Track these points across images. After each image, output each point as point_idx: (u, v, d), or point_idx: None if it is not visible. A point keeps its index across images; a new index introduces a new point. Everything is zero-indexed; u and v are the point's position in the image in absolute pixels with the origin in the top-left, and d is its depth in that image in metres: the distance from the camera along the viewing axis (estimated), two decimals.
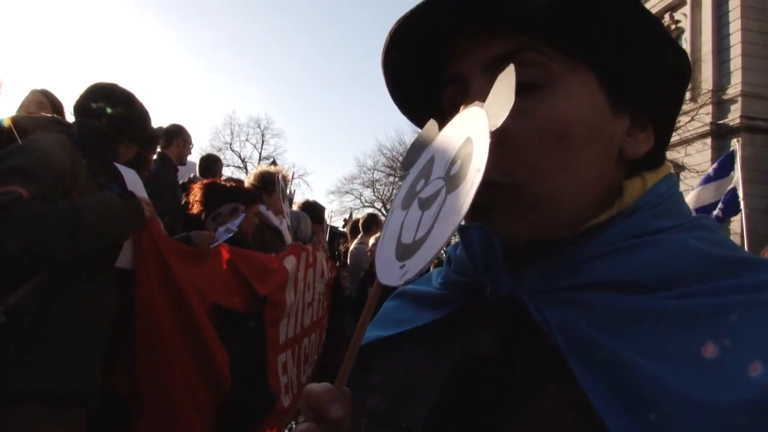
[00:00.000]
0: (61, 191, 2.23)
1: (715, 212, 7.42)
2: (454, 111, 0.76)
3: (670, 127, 0.84)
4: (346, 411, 0.67)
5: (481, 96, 0.70)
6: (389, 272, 0.67)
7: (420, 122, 0.90)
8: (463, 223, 0.62)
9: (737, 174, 7.50)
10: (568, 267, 0.71)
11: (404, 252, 0.66)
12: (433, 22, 0.77)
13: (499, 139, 0.66)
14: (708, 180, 7.90)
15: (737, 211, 7.47)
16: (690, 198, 7.66)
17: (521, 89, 0.69)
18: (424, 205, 0.68)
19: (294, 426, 0.86)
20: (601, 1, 0.72)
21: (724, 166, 7.86)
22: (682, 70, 0.80)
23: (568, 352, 0.64)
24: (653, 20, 0.75)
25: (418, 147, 0.79)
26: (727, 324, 0.58)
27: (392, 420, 0.81)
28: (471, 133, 0.67)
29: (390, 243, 0.71)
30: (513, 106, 0.63)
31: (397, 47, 0.81)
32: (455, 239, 0.80)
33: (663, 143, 0.83)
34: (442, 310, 0.84)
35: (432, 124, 0.80)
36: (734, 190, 7.48)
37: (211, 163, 6.90)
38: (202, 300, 2.82)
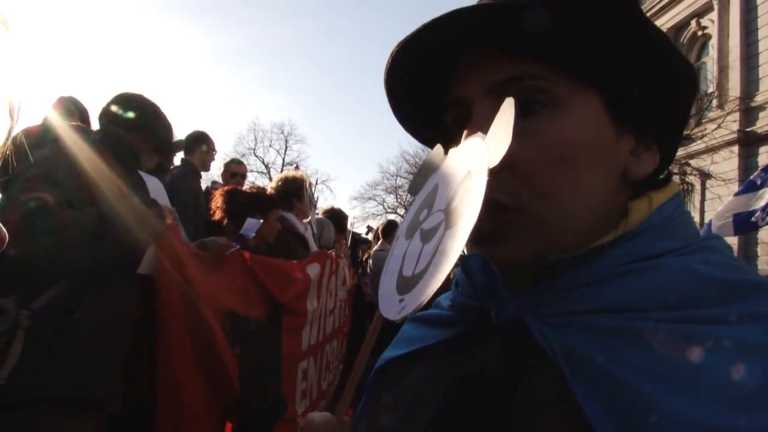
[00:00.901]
0: (86, 198, 2.25)
1: (753, 219, 7.20)
2: (457, 132, 0.78)
3: (675, 144, 0.84)
4: None
5: (483, 121, 0.71)
6: (389, 305, 0.68)
7: (425, 140, 0.92)
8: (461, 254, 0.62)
9: None
10: (571, 290, 0.72)
11: (404, 285, 0.67)
12: (434, 45, 0.77)
13: (505, 162, 0.66)
14: (751, 188, 7.63)
15: None
16: (727, 208, 7.44)
17: (526, 112, 0.71)
18: (425, 237, 0.69)
19: None
20: (602, 24, 0.71)
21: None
22: (689, 85, 0.79)
23: (570, 376, 0.64)
24: (658, 38, 0.75)
25: (424, 173, 0.80)
26: (729, 354, 0.58)
27: None
28: (471, 166, 0.67)
29: (393, 273, 0.72)
30: (518, 129, 0.63)
31: (399, 69, 0.81)
32: None
33: (668, 161, 0.83)
34: (451, 331, 0.85)
35: (438, 149, 0.81)
36: None
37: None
38: (218, 307, 2.84)
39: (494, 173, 0.65)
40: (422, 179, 0.80)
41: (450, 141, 0.80)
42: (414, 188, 0.81)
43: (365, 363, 0.70)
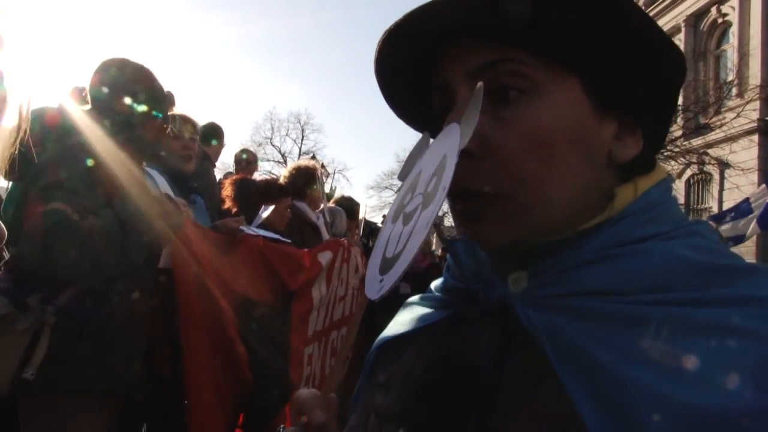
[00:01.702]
0: (103, 200, 2.26)
1: None
2: (443, 117, 0.79)
3: (664, 128, 0.85)
4: (331, 416, 0.71)
5: (464, 106, 0.73)
6: (371, 286, 0.71)
7: (420, 128, 0.93)
8: (426, 238, 0.65)
9: None
10: (556, 273, 0.73)
11: (384, 266, 0.70)
12: (418, 33, 0.79)
13: (484, 148, 0.68)
14: None
15: None
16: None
17: (504, 98, 0.72)
18: (406, 219, 0.72)
19: (282, 429, 0.91)
20: (581, 9, 0.72)
21: None
22: (675, 69, 0.79)
23: (555, 358, 0.66)
24: (642, 21, 0.75)
25: (412, 159, 0.82)
26: (710, 335, 0.60)
27: (392, 416, 0.84)
28: (447, 150, 0.69)
29: (377, 257, 0.74)
30: (497, 116, 0.67)
31: (388, 58, 0.83)
32: None
33: (656, 146, 0.83)
34: (442, 313, 0.87)
35: (425, 136, 0.84)
36: None
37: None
38: (232, 294, 2.87)
39: (475, 160, 0.68)
40: (409, 166, 0.82)
41: (440, 125, 0.82)
42: (403, 174, 0.83)
43: (351, 344, 0.73)
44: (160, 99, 2.67)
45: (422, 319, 0.91)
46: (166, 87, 2.75)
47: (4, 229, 0.53)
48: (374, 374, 0.96)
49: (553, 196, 0.74)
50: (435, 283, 0.98)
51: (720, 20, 22.24)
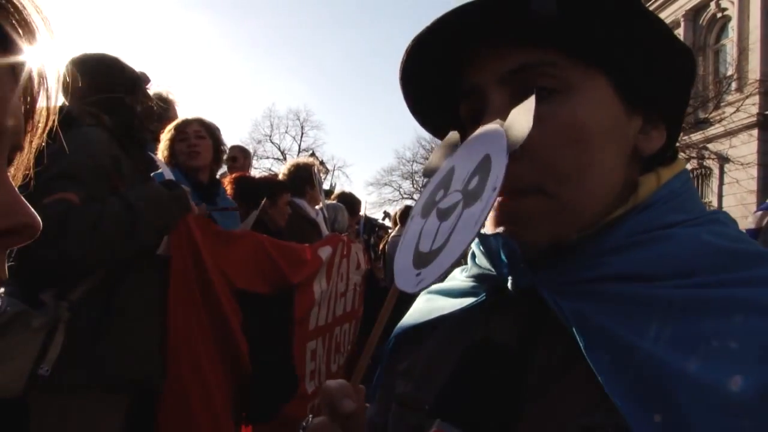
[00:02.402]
0: (108, 188, 2.27)
1: None
2: (472, 122, 0.81)
3: (679, 123, 0.87)
4: (360, 406, 0.72)
5: (499, 109, 0.75)
6: (406, 279, 0.71)
7: (438, 132, 0.95)
8: (481, 232, 0.67)
9: None
10: (585, 261, 0.75)
11: (421, 260, 0.71)
12: (447, 38, 0.80)
13: (523, 148, 0.69)
14: None
15: None
16: None
17: (539, 98, 0.73)
18: (443, 216, 0.72)
19: (311, 419, 0.91)
20: (608, 9, 0.74)
21: None
22: (689, 67, 0.82)
23: (583, 342, 0.68)
24: (656, 21, 0.78)
25: (439, 156, 0.83)
26: (737, 316, 0.62)
27: (415, 402, 0.86)
28: (490, 150, 0.70)
29: (408, 250, 0.75)
30: (533, 115, 0.67)
31: (414, 63, 0.84)
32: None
33: (674, 138, 0.86)
34: (466, 301, 0.89)
35: (454, 134, 0.84)
36: None
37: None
38: (230, 285, 2.88)
39: (514, 160, 0.69)
40: (437, 162, 0.82)
41: (465, 132, 0.84)
42: (429, 171, 0.83)
43: (379, 334, 0.74)
44: (134, 81, 2.67)
45: (444, 308, 0.92)
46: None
47: (39, 220, 0.54)
48: (393, 363, 0.98)
49: (591, 191, 0.76)
50: (455, 273, 1.00)
51: (719, 15, 22.21)
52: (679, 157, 0.87)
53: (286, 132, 42.93)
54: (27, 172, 0.58)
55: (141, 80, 2.71)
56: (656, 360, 0.62)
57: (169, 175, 2.78)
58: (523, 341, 0.77)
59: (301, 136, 41.71)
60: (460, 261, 0.77)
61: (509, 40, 0.77)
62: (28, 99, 0.53)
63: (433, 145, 36.65)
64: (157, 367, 2.44)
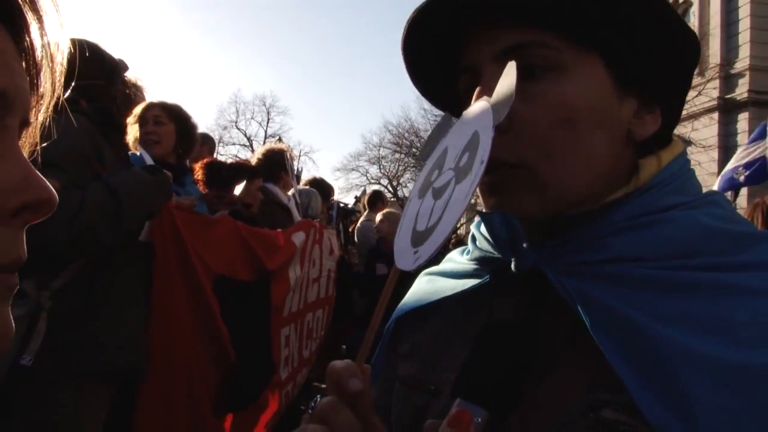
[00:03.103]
0: (90, 175, 2.23)
1: (735, 175, 7.09)
2: (468, 98, 0.81)
3: (679, 106, 0.87)
4: (366, 385, 0.70)
5: (492, 86, 0.74)
6: (405, 258, 0.72)
7: (442, 105, 0.96)
8: (477, 211, 0.66)
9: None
10: (587, 241, 0.76)
11: (418, 239, 0.71)
12: (447, 14, 0.81)
13: (511, 123, 0.70)
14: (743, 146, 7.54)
15: (761, 181, 7.10)
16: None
17: (530, 74, 0.75)
18: (437, 194, 0.73)
19: (319, 399, 0.90)
20: None
21: (758, 134, 7.45)
22: (691, 49, 0.82)
23: (588, 320, 0.69)
24: (657, 2, 0.77)
25: (435, 138, 0.84)
26: (737, 298, 0.65)
27: (421, 383, 0.88)
28: (477, 126, 0.71)
29: (407, 231, 0.75)
30: (523, 92, 0.68)
31: (415, 36, 0.85)
32: (477, 218, 0.88)
33: (672, 122, 0.86)
34: (469, 283, 0.89)
35: (447, 116, 0.85)
36: (765, 160, 7.08)
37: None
38: (209, 271, 2.87)
39: (501, 134, 0.69)
40: (432, 144, 0.83)
41: (463, 106, 0.84)
42: (425, 154, 0.84)
43: (380, 316, 0.74)
44: (114, 68, 2.64)
45: (446, 289, 0.93)
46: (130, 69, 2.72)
47: (56, 195, 0.54)
48: (395, 344, 0.99)
49: (576, 170, 0.77)
50: (453, 255, 1.01)
51: (681, 0, 22.53)
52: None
53: (252, 118, 42.21)
54: (33, 148, 0.57)
55: (120, 67, 2.67)
56: (660, 338, 0.63)
57: (149, 160, 2.76)
58: (526, 321, 0.78)
59: (267, 122, 41.23)
60: (451, 239, 0.79)
61: (506, 20, 0.78)
62: (33, 73, 0.53)
63: (401, 130, 36.68)
64: (142, 355, 2.42)
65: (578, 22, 0.76)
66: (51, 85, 0.55)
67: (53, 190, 0.52)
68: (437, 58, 0.89)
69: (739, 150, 7.30)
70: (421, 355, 0.92)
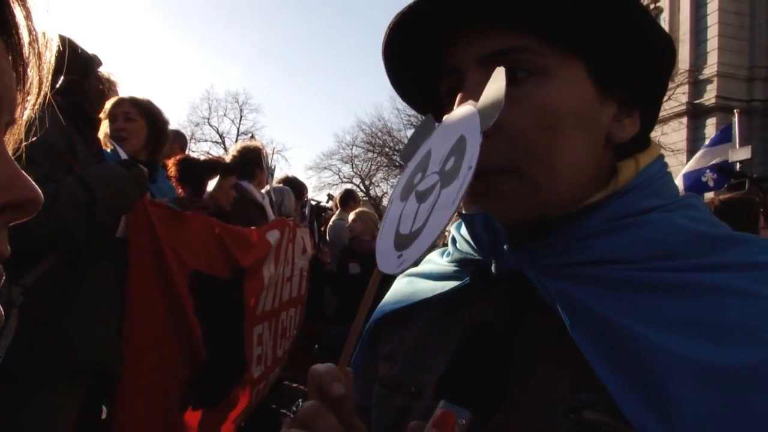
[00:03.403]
0: (63, 169, 2.21)
1: (703, 179, 7.24)
2: (451, 102, 0.81)
3: (656, 109, 0.89)
4: (349, 389, 0.70)
5: (475, 90, 0.75)
6: (388, 261, 0.72)
7: (421, 109, 0.96)
8: (457, 213, 0.68)
9: (736, 146, 7.16)
10: (568, 243, 0.77)
11: (402, 242, 0.71)
12: (430, 17, 0.81)
13: (495, 127, 0.70)
14: (704, 146, 7.72)
15: (726, 183, 7.25)
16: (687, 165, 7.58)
17: (514, 79, 0.75)
18: (421, 198, 0.73)
19: (300, 403, 0.90)
20: None
21: (720, 137, 7.62)
22: (668, 54, 0.84)
23: (568, 321, 0.69)
24: (637, 10, 0.79)
25: (416, 140, 0.83)
26: (713, 298, 0.66)
27: (402, 384, 0.88)
28: (464, 131, 0.71)
29: (389, 233, 0.75)
30: (507, 96, 0.67)
31: (398, 38, 0.85)
32: (457, 220, 0.88)
33: (649, 125, 0.88)
34: (449, 285, 0.89)
35: (429, 118, 0.85)
36: (732, 164, 7.24)
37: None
38: (184, 267, 2.85)
39: (487, 137, 0.69)
40: (415, 146, 0.83)
41: (444, 109, 0.85)
42: (406, 155, 0.84)
43: (364, 314, 0.74)
44: (87, 63, 2.61)
45: (426, 291, 0.93)
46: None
47: (41, 195, 0.52)
48: (375, 345, 0.98)
49: (560, 173, 0.77)
50: (433, 257, 1.01)
51: (652, 6, 22.97)
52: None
53: (224, 115, 41.80)
54: (18, 145, 0.57)
55: (94, 62, 2.64)
56: (641, 339, 0.64)
57: (123, 155, 2.72)
58: (507, 323, 0.78)
59: (240, 119, 40.86)
60: (437, 242, 0.78)
61: (490, 23, 0.78)
62: (20, 70, 0.52)
63: (374, 129, 36.76)
64: (115, 352, 2.40)
65: (562, 28, 0.76)
66: (38, 82, 0.54)
67: (38, 189, 0.52)
68: (419, 61, 0.89)
69: (702, 152, 7.47)
70: (402, 357, 0.91)
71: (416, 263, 0.67)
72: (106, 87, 2.83)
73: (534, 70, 0.77)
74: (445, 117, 0.79)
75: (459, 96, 0.78)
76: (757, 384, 0.59)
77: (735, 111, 7.91)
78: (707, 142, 7.82)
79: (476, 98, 0.73)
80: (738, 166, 7.08)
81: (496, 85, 0.69)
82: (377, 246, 0.76)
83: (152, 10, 73.66)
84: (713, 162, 7.30)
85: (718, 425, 0.58)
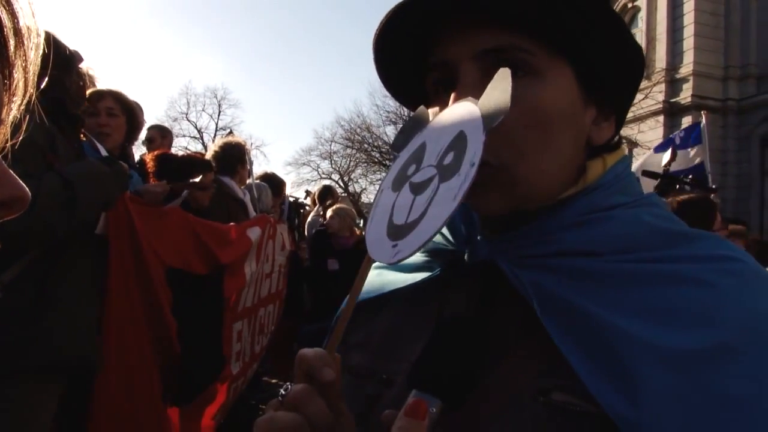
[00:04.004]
0: (43, 166, 2.20)
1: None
2: (437, 93, 0.85)
3: (625, 114, 0.94)
4: (337, 375, 0.72)
5: (471, 84, 0.78)
6: (381, 249, 0.73)
7: (408, 103, 0.97)
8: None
9: (706, 149, 7.25)
10: (540, 235, 0.82)
11: (396, 232, 0.72)
12: (426, 13, 0.82)
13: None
14: (669, 145, 7.73)
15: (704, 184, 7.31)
16: (642, 162, 7.62)
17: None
18: (417, 189, 0.74)
19: (290, 387, 0.89)
20: (579, 4, 0.79)
21: (689, 138, 7.67)
22: (639, 62, 0.89)
23: (540, 309, 0.74)
24: (618, 19, 0.83)
25: (409, 131, 0.84)
26: (674, 288, 0.71)
27: (373, 373, 0.90)
28: (464, 127, 0.72)
29: (381, 222, 0.76)
30: None
31: (389, 33, 0.86)
32: None
33: (618, 128, 0.93)
34: (421, 275, 0.92)
35: (422, 110, 0.86)
36: (703, 165, 7.34)
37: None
38: (161, 264, 2.86)
39: None
40: (407, 137, 0.84)
41: (429, 101, 0.87)
42: (398, 145, 0.85)
43: (353, 307, 0.75)
44: (68, 59, 2.58)
45: (398, 281, 0.95)
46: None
47: (29, 193, 0.54)
48: (345, 335, 0.99)
49: (546, 170, 0.81)
50: None
51: (630, 5, 23.15)
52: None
53: (203, 110, 41.49)
54: (3, 145, 0.57)
55: (75, 59, 2.61)
56: (607, 325, 0.69)
57: (103, 151, 2.71)
58: (480, 312, 0.82)
59: (219, 115, 40.52)
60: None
61: (484, 20, 0.80)
62: (6, 72, 0.52)
63: (353, 125, 36.59)
64: (94, 349, 2.40)
65: (555, 29, 0.79)
66: (24, 84, 0.55)
67: (26, 188, 0.52)
68: (408, 54, 0.90)
69: (675, 152, 7.52)
70: (373, 346, 0.94)
71: (414, 254, 0.68)
72: (87, 83, 2.82)
73: (526, 70, 0.80)
74: (441, 112, 0.81)
75: (456, 91, 0.80)
76: (710, 365, 0.64)
77: (702, 112, 7.99)
78: (677, 141, 7.83)
79: (473, 93, 0.75)
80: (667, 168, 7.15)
81: (502, 85, 0.70)
82: (367, 234, 0.77)
83: (132, 4, 72.72)
84: (695, 164, 7.37)
85: (678, 404, 0.63)
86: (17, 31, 0.52)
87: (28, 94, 0.56)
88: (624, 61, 0.87)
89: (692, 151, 7.50)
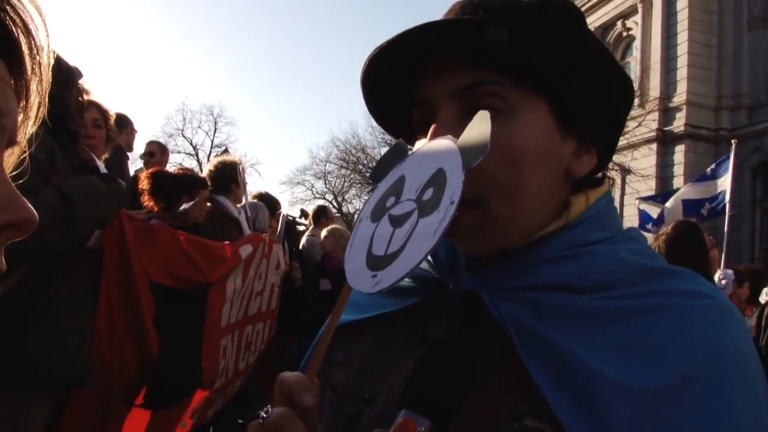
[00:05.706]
0: (41, 181, 2.20)
1: (702, 210, 7.42)
2: (422, 128, 0.87)
3: (612, 147, 0.96)
4: (316, 399, 0.73)
5: (449, 123, 0.81)
6: (360, 279, 0.74)
7: (394, 132, 1.00)
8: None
9: (729, 178, 7.24)
10: (521, 269, 0.84)
11: (376, 263, 0.73)
12: (406, 51, 0.85)
13: None
14: (704, 178, 7.86)
15: (720, 214, 7.40)
16: (682, 191, 7.75)
17: None
18: (396, 222, 0.75)
19: (269, 410, 0.88)
20: (551, 40, 0.83)
21: (719, 168, 7.76)
22: (625, 95, 0.92)
23: (517, 341, 0.76)
24: (599, 51, 0.86)
25: (386, 163, 0.86)
26: (646, 322, 0.74)
27: (355, 391, 0.92)
28: (444, 165, 0.74)
29: (360, 251, 0.78)
30: None
31: (374, 70, 0.89)
32: None
33: (604, 162, 0.95)
34: (405, 300, 0.94)
35: (401, 143, 0.88)
36: (723, 194, 7.34)
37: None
38: (148, 279, 2.89)
39: None
40: (385, 169, 0.85)
41: (414, 134, 0.92)
42: (376, 176, 0.86)
43: (332, 329, 0.76)
44: (68, 75, 2.60)
45: (382, 305, 0.96)
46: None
47: (36, 215, 0.55)
48: (328, 354, 1.00)
49: (524, 207, 0.84)
50: None
51: (625, 34, 23.45)
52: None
53: (199, 127, 41.34)
54: (18, 165, 0.59)
55: (74, 74, 2.63)
56: (579, 361, 0.72)
57: (103, 168, 2.72)
58: (463, 339, 0.84)
59: (215, 132, 40.58)
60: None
61: (463, 59, 0.83)
62: (23, 93, 0.54)
63: (348, 146, 36.67)
64: (84, 364, 2.39)
65: (527, 67, 0.82)
66: (37, 104, 0.57)
67: (34, 210, 0.54)
68: (394, 90, 0.93)
69: (696, 183, 7.61)
70: (356, 365, 0.96)
71: (393, 285, 0.69)
72: (84, 98, 2.83)
73: (502, 108, 0.82)
74: (420, 146, 0.83)
75: (433, 128, 0.82)
76: (672, 400, 0.68)
77: (733, 141, 7.78)
78: (708, 172, 7.92)
79: (450, 132, 0.78)
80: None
81: (481, 128, 0.72)
82: (346, 262, 0.78)
83: (130, 21, 73.08)
84: (713, 194, 7.47)
85: None
86: (33, 52, 0.54)
87: (41, 113, 0.58)
88: (604, 94, 0.88)
89: (719, 181, 7.58)
